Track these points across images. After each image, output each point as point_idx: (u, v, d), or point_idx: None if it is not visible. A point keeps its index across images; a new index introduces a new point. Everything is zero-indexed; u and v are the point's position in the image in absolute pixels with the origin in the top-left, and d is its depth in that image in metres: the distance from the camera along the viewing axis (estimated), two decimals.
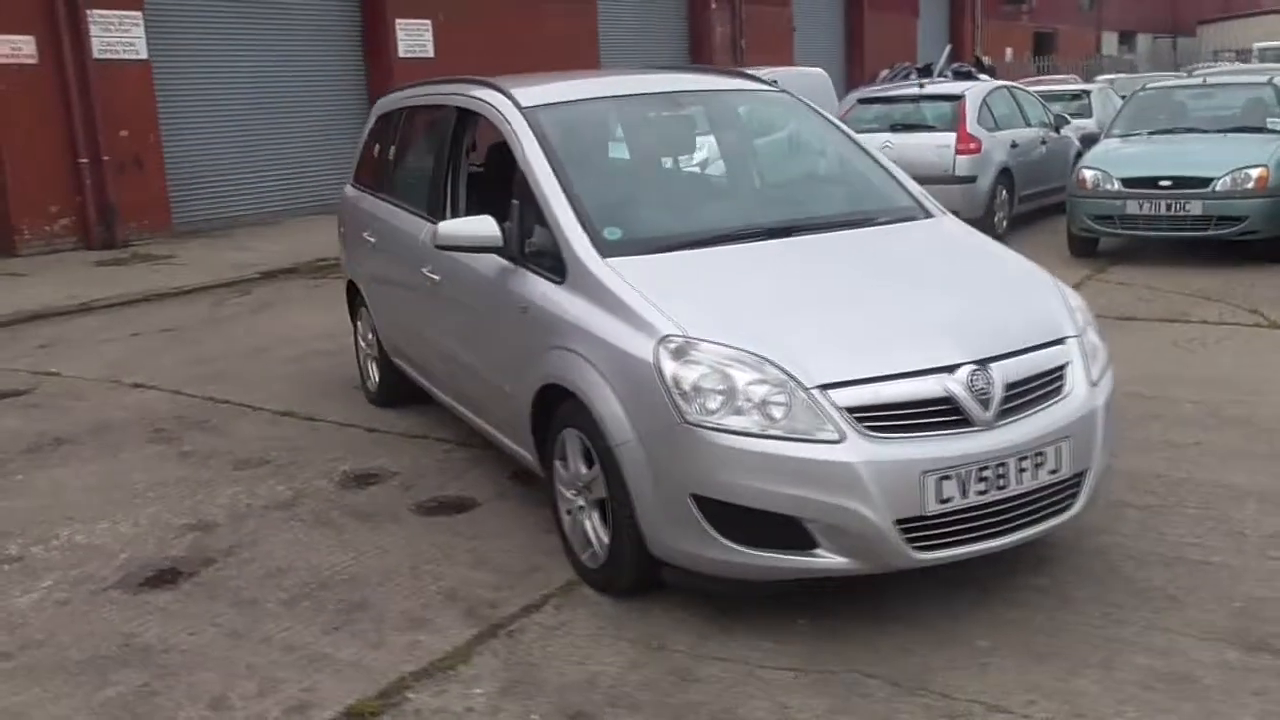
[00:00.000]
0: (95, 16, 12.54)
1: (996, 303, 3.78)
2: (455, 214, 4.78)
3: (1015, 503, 3.36)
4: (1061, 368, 3.57)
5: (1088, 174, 9.39)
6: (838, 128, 4.83)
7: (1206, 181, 8.80)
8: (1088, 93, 15.72)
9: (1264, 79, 10.32)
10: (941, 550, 3.30)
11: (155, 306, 9.75)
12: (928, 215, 4.39)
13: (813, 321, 3.50)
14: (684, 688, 3.17)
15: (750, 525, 3.25)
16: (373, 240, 5.70)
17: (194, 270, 11.30)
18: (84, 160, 12.56)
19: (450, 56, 15.88)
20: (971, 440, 3.27)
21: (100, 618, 3.74)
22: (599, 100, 4.70)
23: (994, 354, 3.39)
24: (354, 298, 6.31)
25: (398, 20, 15.96)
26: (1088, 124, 14.13)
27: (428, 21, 16.33)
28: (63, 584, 4.02)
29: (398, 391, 5.95)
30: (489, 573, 3.97)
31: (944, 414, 3.28)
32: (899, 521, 3.20)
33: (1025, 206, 11.61)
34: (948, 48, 24.02)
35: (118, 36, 12.82)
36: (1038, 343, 3.55)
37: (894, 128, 11.24)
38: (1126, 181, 9.13)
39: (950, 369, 3.31)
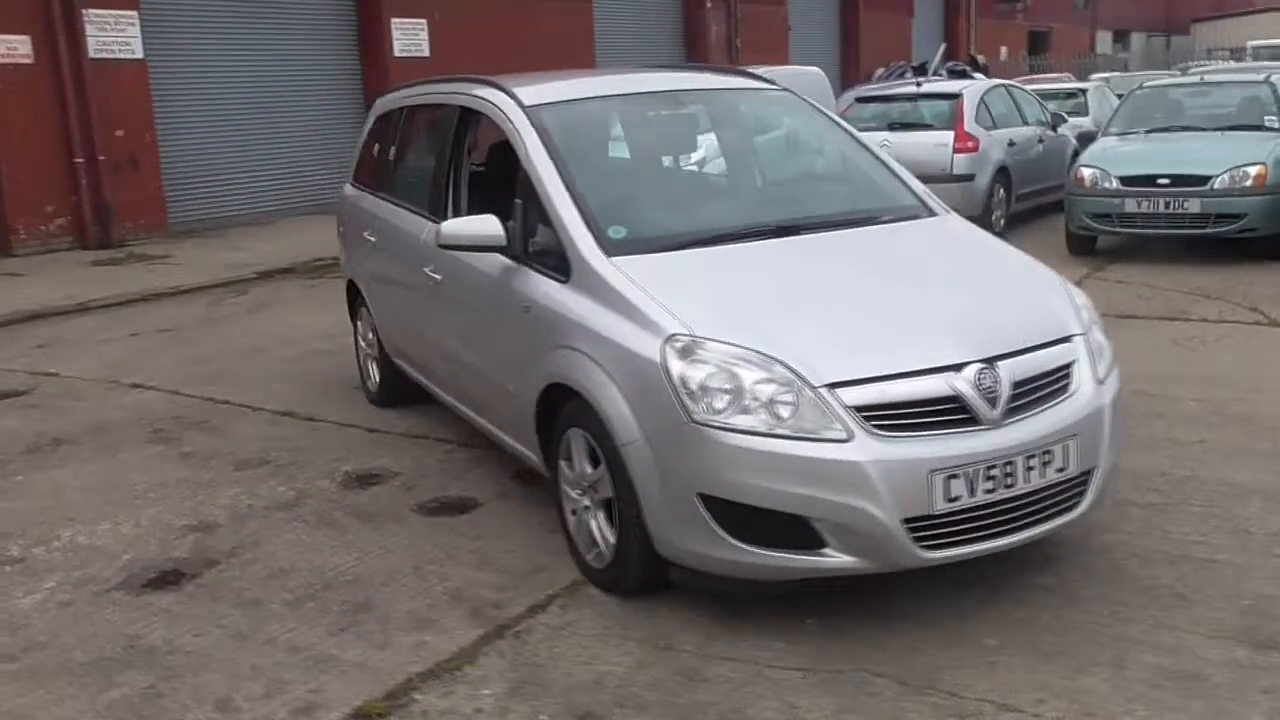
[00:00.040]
0: (91, 16, 12.50)
1: (1002, 301, 3.77)
2: (457, 213, 4.77)
3: (1023, 501, 3.35)
4: (1068, 366, 3.56)
5: (1086, 172, 9.40)
6: (840, 126, 4.82)
7: (1205, 179, 8.81)
8: (1084, 91, 15.74)
9: (1261, 77, 10.34)
10: (949, 549, 3.29)
11: (152, 306, 9.72)
12: (931, 214, 4.38)
13: (819, 320, 3.49)
14: (692, 688, 3.16)
15: (758, 525, 3.25)
16: (373, 240, 5.68)
17: (190, 270, 11.26)
18: (80, 160, 12.52)
19: (446, 56, 15.85)
20: (979, 439, 3.27)
21: (104, 619, 3.73)
22: (602, 99, 4.69)
23: (1001, 352, 3.39)
24: (354, 298, 6.29)
25: (393, 19, 15.93)
26: (1084, 122, 14.14)
27: (423, 21, 16.31)
28: (65, 585, 4.00)
29: (398, 391, 5.94)
30: (493, 573, 3.96)
31: (951, 412, 3.27)
32: (907, 520, 3.19)
33: (1022, 205, 11.63)
34: (942, 46, 24.01)
35: (113, 36, 12.78)
36: (1044, 341, 3.55)
37: (892, 126, 11.25)
38: (1125, 180, 9.14)
39: (957, 367, 3.30)
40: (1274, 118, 9.62)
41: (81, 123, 12.50)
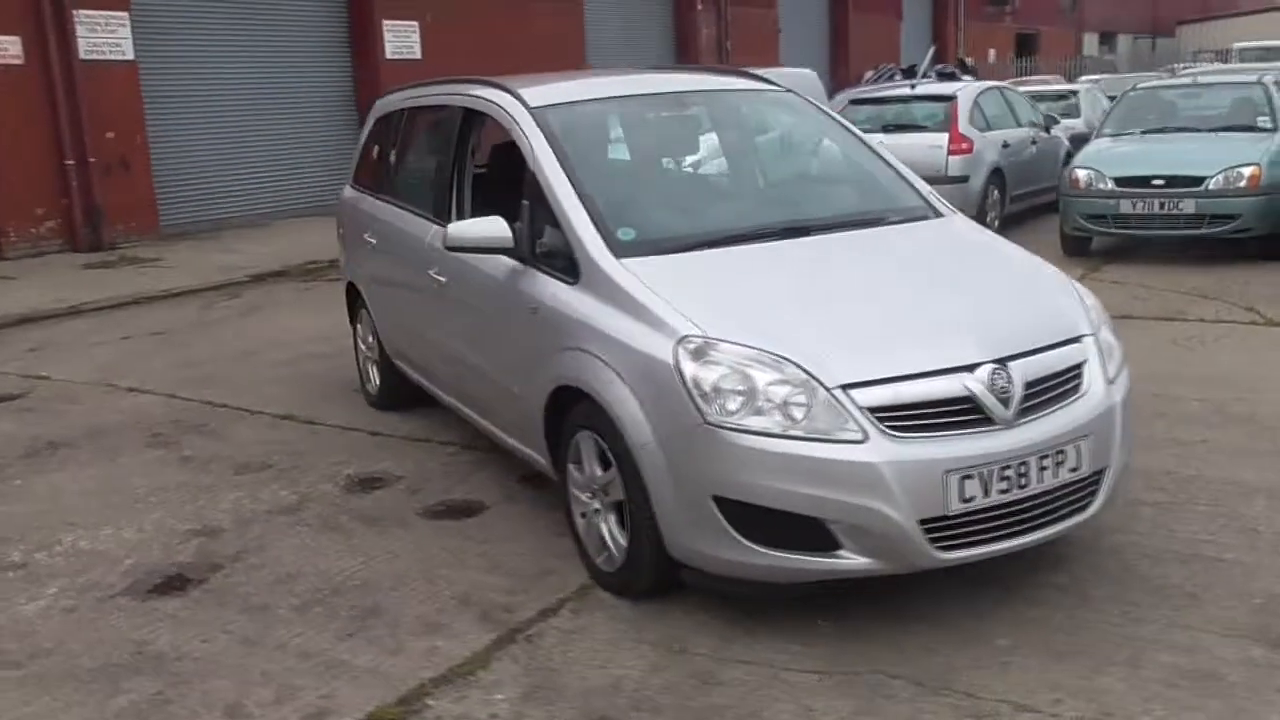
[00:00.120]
0: (81, 17, 12.43)
1: (1013, 301, 3.77)
2: (461, 215, 4.74)
3: (1036, 501, 3.35)
4: (1079, 365, 3.56)
5: (1081, 173, 9.43)
6: (845, 127, 4.82)
7: (1199, 180, 8.85)
8: (1076, 93, 15.80)
9: (1253, 78, 10.38)
10: (964, 550, 3.28)
11: (144, 309, 9.66)
12: (938, 214, 4.37)
13: (831, 321, 3.48)
14: (707, 691, 3.15)
15: (772, 526, 3.23)
16: (374, 242, 5.65)
17: (182, 273, 11.20)
18: (70, 162, 12.45)
19: (438, 58, 15.81)
20: (993, 439, 3.26)
21: (109, 625, 3.69)
22: (607, 100, 4.67)
23: (1013, 352, 3.38)
24: (353, 300, 6.26)
25: (385, 21, 15.89)
26: (1076, 124, 14.19)
27: (415, 23, 16.27)
28: (69, 591, 3.96)
29: (399, 394, 5.90)
30: (502, 577, 3.93)
31: (965, 413, 3.27)
32: (922, 521, 3.18)
33: (1016, 206, 11.65)
34: (931, 49, 24.11)
35: (104, 37, 12.70)
36: (1055, 341, 3.55)
37: (886, 128, 11.25)
38: (1119, 181, 9.17)
39: (970, 368, 3.30)
40: (1266, 118, 9.66)
41: (72, 124, 12.43)
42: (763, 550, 3.26)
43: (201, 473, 5.20)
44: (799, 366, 3.23)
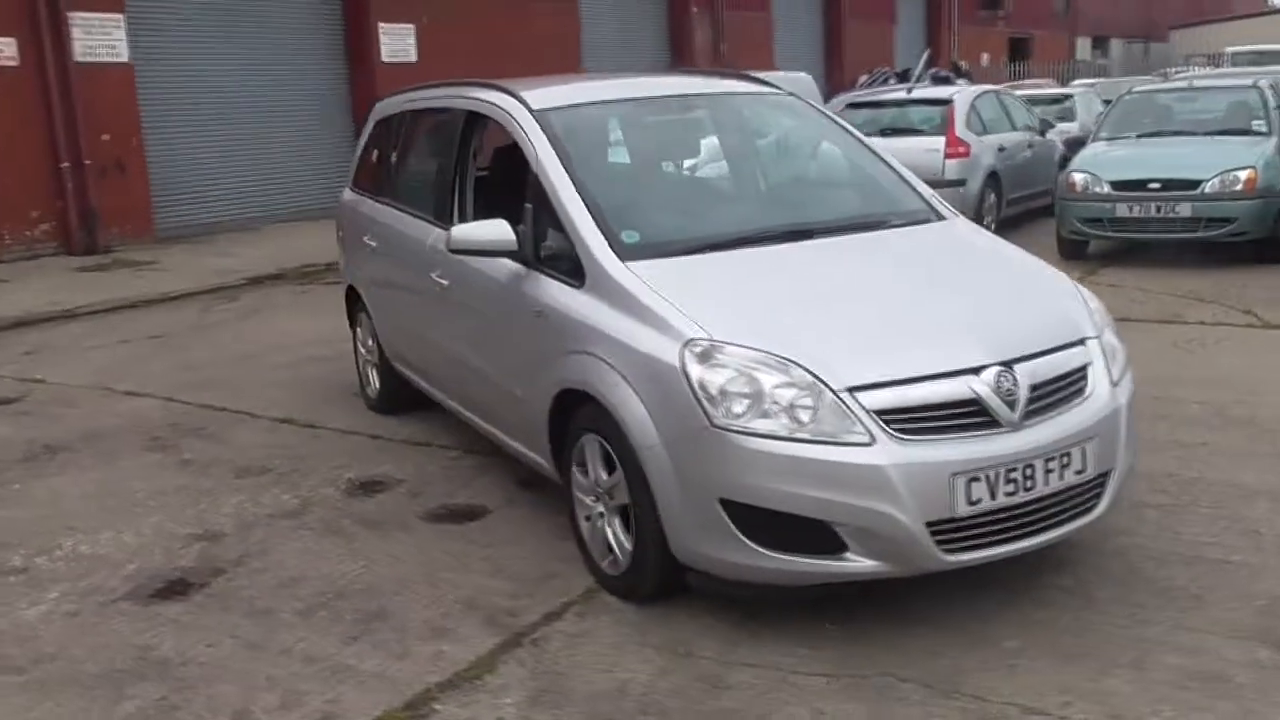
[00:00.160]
0: (76, 19, 12.40)
1: (1017, 304, 3.77)
2: (463, 218, 4.73)
3: (1042, 504, 3.35)
4: (1083, 368, 3.57)
5: (1077, 177, 9.45)
6: (848, 130, 4.82)
7: (1195, 184, 8.87)
8: (1071, 97, 15.84)
9: (1248, 82, 10.42)
10: (971, 552, 3.29)
11: (141, 313, 9.64)
12: (940, 217, 4.38)
13: (837, 324, 3.48)
14: (716, 695, 3.14)
15: (779, 529, 3.23)
16: (375, 245, 5.64)
17: (177, 276, 11.18)
18: (65, 164, 12.41)
19: (433, 61, 15.80)
20: (999, 441, 3.26)
21: (112, 630, 3.67)
22: (610, 103, 4.67)
23: (1018, 355, 3.39)
24: (353, 303, 6.24)
25: (381, 24, 15.87)
26: (1071, 128, 14.22)
27: (411, 26, 16.25)
28: (71, 595, 3.94)
29: (399, 398, 5.89)
30: (506, 581, 3.92)
31: (971, 415, 3.27)
32: (929, 524, 3.18)
33: (1012, 210, 11.67)
34: (926, 52, 24.13)
35: (99, 39, 12.68)
36: (1060, 344, 3.55)
37: (883, 132, 11.25)
38: (1116, 184, 9.19)
39: (976, 370, 3.30)
40: (1261, 122, 9.69)
41: (67, 127, 12.39)
42: (769, 553, 3.26)
43: (201, 476, 5.18)
44: (805, 369, 3.23)
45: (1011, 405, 3.29)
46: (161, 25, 13.59)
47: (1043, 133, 12.66)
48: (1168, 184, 8.96)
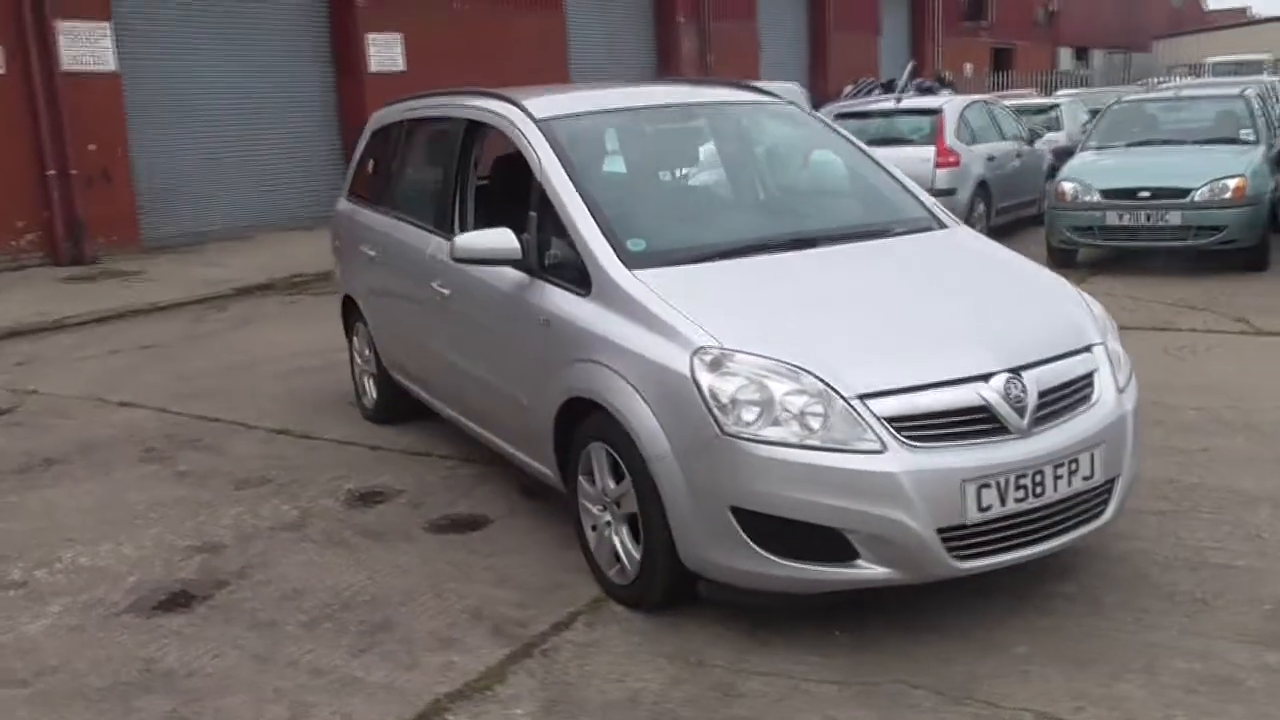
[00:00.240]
0: (63, 27, 12.35)
1: (1023, 311, 3.79)
2: (464, 227, 4.72)
3: (1051, 510, 3.37)
4: (1090, 374, 3.58)
5: (1067, 186, 9.50)
6: (848, 139, 4.83)
7: (1185, 192, 8.93)
8: (1058, 106, 15.95)
9: (1235, 92, 10.51)
10: (982, 559, 3.29)
11: (130, 323, 9.58)
12: (942, 225, 4.39)
13: (845, 331, 3.49)
14: (729, 703, 3.13)
15: (790, 537, 3.23)
16: (373, 254, 5.62)
17: (165, 286, 11.12)
18: (51, 174, 12.36)
19: (421, 70, 15.79)
20: (1009, 448, 3.27)
21: (116, 643, 3.63)
22: (612, 112, 4.68)
23: (1026, 362, 3.40)
24: (349, 313, 6.21)
25: (368, 34, 15.85)
26: (1058, 137, 14.31)
27: (399, 35, 16.24)
28: (72, 609, 3.90)
29: (396, 408, 5.87)
30: (512, 591, 3.90)
31: (980, 422, 3.28)
32: (940, 531, 3.19)
33: (1001, 219, 11.73)
34: (910, 64, 24.27)
35: (86, 48, 12.63)
36: (1066, 350, 3.57)
37: (872, 142, 11.20)
38: (1106, 193, 9.24)
39: (985, 377, 3.31)
40: (1249, 131, 9.78)
41: (53, 136, 12.34)
42: (780, 561, 3.25)
43: (199, 488, 5.14)
44: (816, 377, 3.23)
45: (1020, 412, 3.30)
46: (148, 34, 13.55)
47: (1031, 142, 12.75)
48: (1157, 192, 9.01)
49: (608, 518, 3.75)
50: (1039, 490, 3.30)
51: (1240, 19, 52.26)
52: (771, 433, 3.21)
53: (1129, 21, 46.02)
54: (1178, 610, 3.54)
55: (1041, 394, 3.37)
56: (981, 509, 3.22)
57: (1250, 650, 3.27)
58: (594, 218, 3.90)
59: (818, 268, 3.91)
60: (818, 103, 19.43)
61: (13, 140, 12.07)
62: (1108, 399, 3.56)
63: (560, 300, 3.91)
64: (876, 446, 3.17)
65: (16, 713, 3.24)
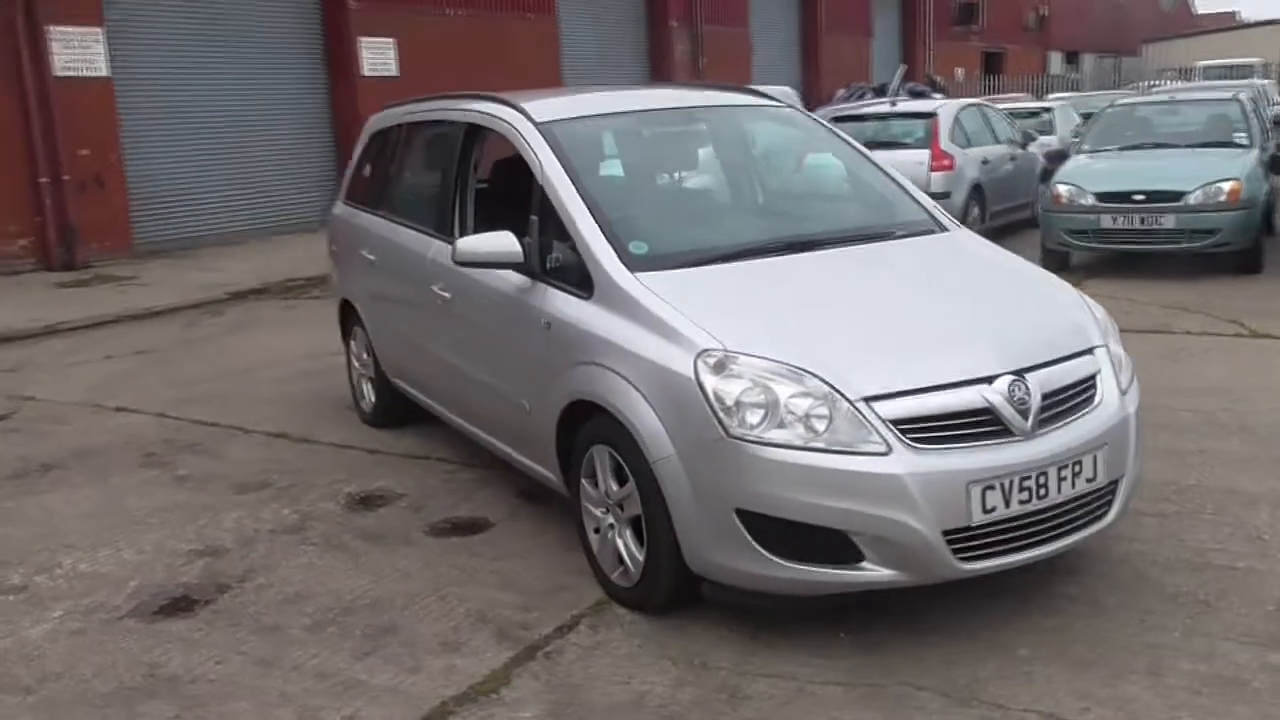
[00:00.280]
0: (55, 33, 12.32)
1: (1026, 313, 3.80)
2: (464, 230, 4.72)
3: (1055, 511, 3.37)
4: (1092, 377, 3.59)
5: (1062, 189, 9.53)
6: (848, 142, 4.85)
7: (1179, 195, 8.96)
8: (1051, 110, 16.00)
9: (1229, 95, 10.56)
10: (986, 560, 3.30)
11: (124, 328, 9.55)
12: (943, 229, 4.41)
13: (849, 334, 3.49)
14: (736, 705, 3.13)
15: (795, 539, 3.23)
16: (371, 258, 5.61)
17: (159, 291, 11.10)
18: (44, 179, 12.32)
19: (414, 75, 15.79)
20: (1013, 450, 3.28)
21: (119, 648, 3.62)
22: (613, 115, 4.68)
23: (1030, 364, 3.41)
24: (346, 317, 6.20)
25: (361, 38, 15.85)
26: (1051, 141, 14.35)
27: (391, 40, 16.23)
28: (74, 614, 3.88)
29: (394, 412, 5.86)
30: (515, 593, 3.90)
31: (984, 424, 3.29)
32: (945, 532, 3.19)
33: (995, 222, 11.75)
34: (901, 68, 24.40)
35: (78, 54, 12.59)
36: (1069, 352, 3.58)
37: (867, 145, 11.26)
38: (1101, 196, 9.28)
39: (989, 380, 3.32)
40: (1243, 134, 9.83)
41: (46, 141, 12.30)
42: (785, 563, 3.26)
43: (199, 492, 5.13)
44: (820, 379, 3.24)
45: (1024, 414, 3.31)
46: (141, 39, 13.53)
47: (1024, 145, 12.79)
48: (1152, 196, 9.04)
49: (611, 520, 3.75)
50: (1043, 492, 3.31)
51: (1229, 23, 52.55)
52: (776, 435, 3.21)
53: (1119, 25, 46.25)
54: (1180, 611, 3.55)
55: (1045, 396, 3.38)
56: (986, 511, 3.22)
57: (1254, 651, 3.28)
58: (596, 221, 3.90)
59: (820, 270, 3.92)
60: (810, 106, 19.51)
61: (5, 146, 12.04)
62: (1110, 401, 3.58)
63: (562, 303, 3.91)
64: (881, 449, 3.17)
65: (21, 718, 3.22)
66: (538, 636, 3.58)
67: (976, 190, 11.16)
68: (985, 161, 11.53)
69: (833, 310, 3.65)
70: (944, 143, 10.94)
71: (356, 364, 6.16)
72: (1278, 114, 14.61)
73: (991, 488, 3.22)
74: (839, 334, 3.48)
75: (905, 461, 3.16)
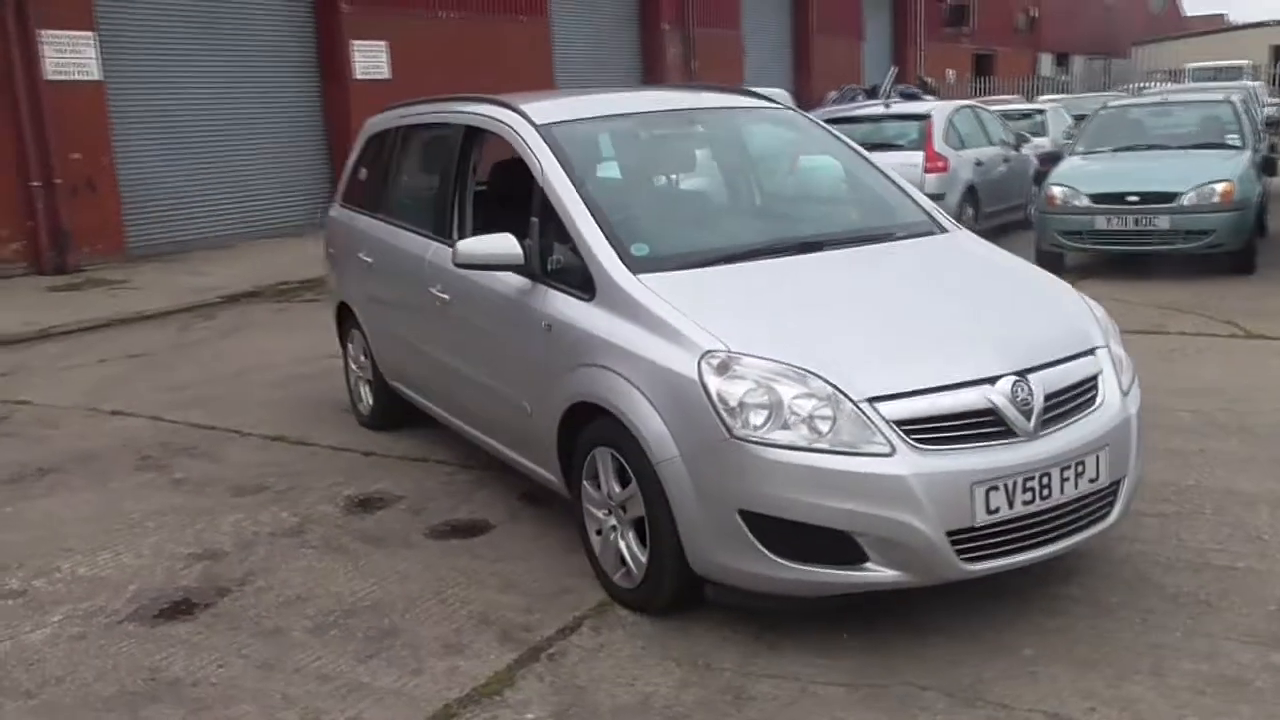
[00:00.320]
0: (47, 37, 12.26)
1: (1028, 314, 3.81)
2: (463, 233, 4.71)
3: (1058, 512, 3.38)
4: (1094, 377, 3.60)
5: (1056, 190, 9.55)
6: (847, 144, 4.85)
7: (1173, 196, 8.99)
8: (1043, 112, 16.05)
9: (1221, 97, 10.61)
10: (990, 561, 3.30)
11: (117, 332, 9.52)
12: (943, 230, 4.41)
13: (852, 334, 3.50)
14: (740, 706, 3.13)
15: (799, 540, 3.23)
16: (370, 260, 5.60)
17: (152, 295, 11.05)
18: (36, 184, 12.25)
19: (406, 77, 15.77)
20: (1016, 451, 3.28)
21: (120, 651, 3.60)
22: (612, 118, 4.68)
23: (1032, 365, 3.41)
24: (343, 320, 6.19)
25: (353, 41, 15.82)
26: (1043, 142, 14.40)
27: (384, 43, 16.21)
28: (74, 618, 3.87)
29: (391, 414, 5.85)
30: (517, 595, 3.89)
31: (987, 425, 3.29)
32: (949, 533, 3.20)
33: (988, 223, 11.78)
34: (893, 69, 24.41)
35: (70, 57, 12.53)
36: (1071, 353, 3.59)
37: (861, 147, 11.34)
38: (1095, 197, 9.30)
39: (992, 380, 3.32)
40: (1235, 136, 9.87)
41: (38, 145, 12.23)
42: (789, 564, 3.26)
43: (196, 495, 5.11)
44: (824, 380, 3.24)
45: (1027, 415, 3.32)
46: (133, 43, 13.48)
47: (1017, 147, 12.82)
48: (1146, 197, 9.07)
49: (613, 522, 3.75)
50: (1046, 492, 3.32)
51: (1218, 25, 52.80)
52: (780, 436, 3.21)
53: (1108, 27, 46.43)
54: (1182, 611, 3.56)
55: (1048, 397, 3.39)
56: (990, 511, 3.23)
57: (1256, 651, 3.29)
58: (597, 223, 3.90)
59: (822, 271, 3.92)
60: (802, 108, 19.54)
61: None
62: (1112, 401, 3.58)
63: (563, 305, 3.91)
64: (885, 449, 3.18)
65: None
66: (540, 638, 3.57)
67: (970, 192, 11.19)
68: (979, 163, 11.56)
69: (835, 311, 3.66)
70: (938, 144, 10.96)
71: (354, 366, 6.15)
72: (1268, 116, 14.73)
73: (995, 488, 3.23)
74: (842, 335, 3.48)
75: (909, 462, 3.17)
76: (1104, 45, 45.28)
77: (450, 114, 5.06)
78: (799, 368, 3.26)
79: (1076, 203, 9.37)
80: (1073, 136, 12.45)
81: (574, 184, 4.05)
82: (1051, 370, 3.45)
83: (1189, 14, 59.91)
